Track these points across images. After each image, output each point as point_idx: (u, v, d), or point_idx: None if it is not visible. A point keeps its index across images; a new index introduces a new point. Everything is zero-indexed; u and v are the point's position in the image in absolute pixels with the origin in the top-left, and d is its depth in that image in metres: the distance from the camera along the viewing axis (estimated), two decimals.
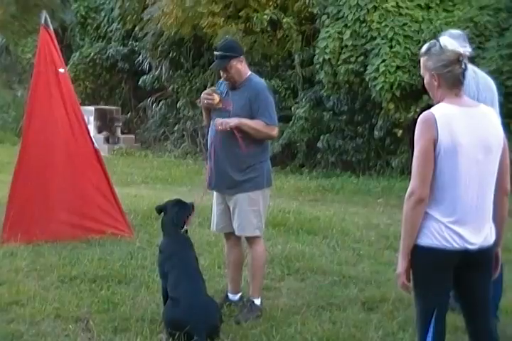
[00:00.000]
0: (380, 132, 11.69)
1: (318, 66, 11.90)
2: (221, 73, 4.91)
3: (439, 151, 3.03)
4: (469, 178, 3.05)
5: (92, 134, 7.62)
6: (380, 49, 10.97)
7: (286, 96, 13.40)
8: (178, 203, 4.87)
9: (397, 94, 10.78)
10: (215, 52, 4.94)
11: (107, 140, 16.39)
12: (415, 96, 10.72)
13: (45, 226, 6.75)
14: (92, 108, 16.29)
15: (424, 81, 3.23)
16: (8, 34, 17.14)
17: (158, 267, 4.80)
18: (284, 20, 12.89)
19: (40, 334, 4.43)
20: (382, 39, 11.00)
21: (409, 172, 3.17)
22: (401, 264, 3.13)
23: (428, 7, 11.33)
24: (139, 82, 16.44)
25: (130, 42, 17.13)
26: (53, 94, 6.99)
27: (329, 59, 11.52)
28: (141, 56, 16.45)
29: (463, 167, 3.04)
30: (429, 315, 3.11)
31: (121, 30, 17.25)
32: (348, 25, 11.43)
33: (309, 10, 12.66)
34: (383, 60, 10.83)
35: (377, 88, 10.82)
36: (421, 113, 3.18)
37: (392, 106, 10.95)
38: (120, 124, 16.86)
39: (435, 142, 3.02)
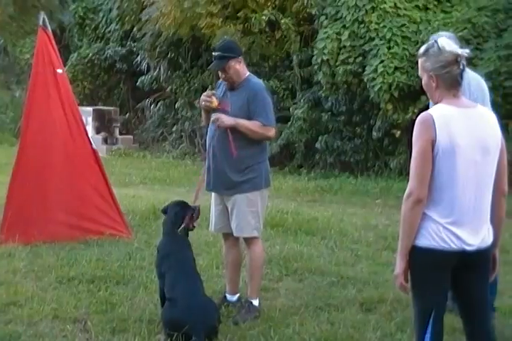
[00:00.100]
0: (378, 133, 11.69)
1: (316, 67, 11.91)
2: (220, 74, 4.91)
3: (437, 152, 3.03)
4: (467, 179, 3.05)
5: (90, 135, 7.62)
6: (378, 50, 10.98)
7: (284, 97, 13.40)
8: (180, 204, 4.89)
9: (395, 94, 10.79)
10: (213, 53, 4.94)
11: (105, 140, 16.38)
12: (413, 97, 10.73)
13: (43, 227, 6.74)
14: (90, 108, 16.28)
15: (422, 82, 3.23)
16: (6, 35, 17.12)
17: (156, 267, 4.80)
18: (283, 21, 12.89)
19: (38, 335, 4.42)
20: (381, 40, 11.01)
21: (408, 173, 3.17)
22: (399, 265, 3.14)
23: (426, 8, 11.34)
24: (137, 83, 16.44)
25: (128, 43, 17.12)
26: (51, 94, 6.99)
27: (327, 60, 11.53)
28: (139, 57, 16.44)
29: (461, 168, 3.04)
30: (426, 315, 3.11)
31: (120, 31, 17.25)
32: (347, 26, 11.43)
33: (307, 11, 12.67)
34: (381, 61, 10.84)
35: (376, 89, 10.83)
36: (419, 114, 3.18)
37: (390, 106, 10.96)
38: (118, 125, 16.85)
39: (433, 143, 3.02)
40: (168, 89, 16.05)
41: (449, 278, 3.14)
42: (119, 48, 17.22)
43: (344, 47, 11.43)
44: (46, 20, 7.07)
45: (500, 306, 4.83)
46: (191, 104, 15.30)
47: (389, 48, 10.88)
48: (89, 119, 15.79)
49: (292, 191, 10.66)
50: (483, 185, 3.11)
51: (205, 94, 4.92)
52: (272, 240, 6.95)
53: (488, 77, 9.65)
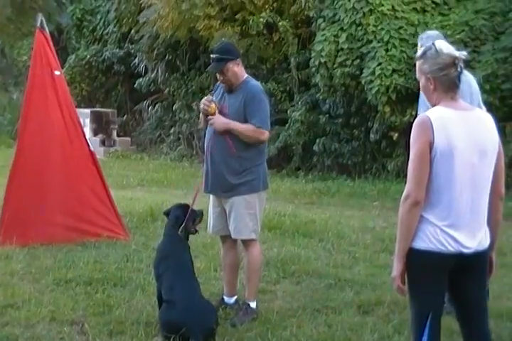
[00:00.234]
0: (376, 135, 11.70)
1: (314, 69, 11.90)
2: (218, 76, 4.91)
3: (434, 154, 3.03)
4: (464, 182, 3.06)
5: (87, 137, 7.62)
6: (375, 52, 10.99)
7: (282, 100, 13.40)
8: (182, 206, 4.89)
9: (393, 97, 10.79)
10: (211, 55, 4.94)
11: (102, 142, 16.36)
12: (411, 100, 10.70)
13: (40, 228, 6.74)
14: (87, 110, 16.26)
15: (420, 84, 3.24)
16: (3, 36, 17.15)
17: (154, 268, 4.81)
18: (280, 23, 12.90)
19: (35, 338, 4.42)
20: (378, 42, 11.01)
21: (405, 176, 3.17)
22: (396, 267, 3.14)
23: (424, 10, 11.35)
24: (135, 85, 16.42)
25: (126, 45, 17.11)
26: (49, 96, 6.99)
27: (325, 62, 11.53)
28: (137, 59, 16.43)
29: (458, 170, 3.04)
30: (424, 317, 3.11)
31: (117, 33, 17.24)
32: (344, 28, 11.44)
33: (305, 13, 12.67)
34: (379, 63, 10.84)
35: (373, 91, 10.84)
36: (416, 116, 3.18)
37: (387, 109, 10.96)
38: (116, 127, 16.84)
39: (431, 145, 3.02)
40: (166, 91, 16.05)
41: (446, 281, 3.15)
42: (117, 50, 17.21)
43: (342, 49, 11.43)
44: (44, 22, 7.07)
45: (497, 309, 4.83)
46: (189, 106, 15.30)
47: (387, 51, 10.88)
48: (87, 121, 15.79)
49: (290, 193, 10.66)
50: (481, 188, 3.11)
51: (206, 98, 4.91)
52: (270, 242, 6.94)
53: (485, 79, 9.69)
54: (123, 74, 17.51)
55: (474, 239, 3.10)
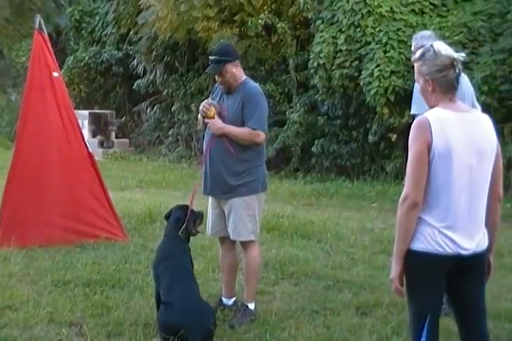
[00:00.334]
0: (375, 137, 11.71)
1: (312, 70, 11.92)
2: (216, 77, 4.91)
3: (433, 156, 3.03)
4: (462, 183, 3.06)
5: (86, 138, 7.61)
6: (374, 54, 10.99)
7: (280, 101, 13.41)
8: (183, 207, 4.89)
9: (392, 98, 10.79)
10: (210, 57, 4.93)
11: (101, 144, 16.37)
12: (409, 101, 10.67)
13: (38, 230, 6.73)
14: (86, 112, 16.28)
15: (418, 86, 3.24)
16: (2, 38, 17.15)
17: (153, 269, 4.81)
18: (279, 25, 12.91)
19: (34, 339, 4.41)
20: (377, 44, 11.02)
21: (403, 177, 3.17)
22: (395, 269, 3.14)
23: (422, 12, 11.36)
24: (134, 86, 16.44)
25: (125, 47, 17.13)
26: (47, 98, 6.98)
27: (324, 63, 11.54)
28: (135, 60, 16.44)
29: (456, 172, 3.04)
30: (422, 319, 3.11)
31: (116, 34, 17.26)
32: (343, 29, 11.45)
33: (304, 15, 12.68)
34: (377, 65, 10.85)
35: (372, 93, 10.84)
36: (415, 118, 3.18)
37: (386, 110, 10.97)
38: (114, 128, 16.85)
39: (429, 146, 3.02)
40: (165, 93, 16.06)
41: (444, 282, 3.15)
42: (116, 52, 17.23)
43: (340, 51, 11.44)
44: (42, 23, 7.08)
45: (495, 310, 4.83)
46: (187, 107, 15.32)
47: (385, 52, 10.89)
48: (86, 123, 15.80)
49: (288, 195, 10.66)
50: (479, 189, 3.12)
51: (206, 101, 4.90)
52: (268, 244, 6.94)
53: (483, 81, 9.71)
54: (121, 75, 17.53)
55: (472, 240, 3.10)
